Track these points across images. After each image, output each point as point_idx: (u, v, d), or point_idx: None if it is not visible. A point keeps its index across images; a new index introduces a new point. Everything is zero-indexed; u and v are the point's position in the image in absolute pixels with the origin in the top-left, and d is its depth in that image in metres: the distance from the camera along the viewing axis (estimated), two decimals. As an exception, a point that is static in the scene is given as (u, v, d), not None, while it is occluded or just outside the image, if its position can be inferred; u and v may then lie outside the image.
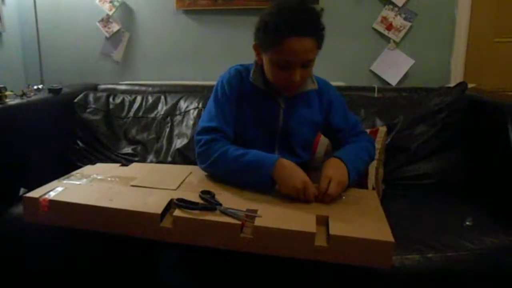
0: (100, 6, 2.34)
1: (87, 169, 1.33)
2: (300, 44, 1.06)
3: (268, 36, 1.08)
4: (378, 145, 1.59)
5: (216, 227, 0.95)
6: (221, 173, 1.15)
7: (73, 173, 1.27)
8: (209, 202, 1.02)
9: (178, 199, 1.01)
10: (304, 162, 1.31)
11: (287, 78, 1.11)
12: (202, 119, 1.24)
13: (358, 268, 0.99)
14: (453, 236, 1.21)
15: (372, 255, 0.90)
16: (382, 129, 1.65)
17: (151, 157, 1.84)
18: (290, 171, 1.07)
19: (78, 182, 1.18)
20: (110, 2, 2.33)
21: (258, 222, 0.94)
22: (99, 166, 1.37)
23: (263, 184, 1.08)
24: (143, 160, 1.83)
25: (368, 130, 1.64)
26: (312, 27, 1.08)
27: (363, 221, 0.98)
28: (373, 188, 1.49)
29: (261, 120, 1.22)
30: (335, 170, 1.11)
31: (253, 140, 1.22)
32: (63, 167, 1.63)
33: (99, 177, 1.22)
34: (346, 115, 1.33)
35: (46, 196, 1.06)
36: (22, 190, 1.45)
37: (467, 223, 1.28)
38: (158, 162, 1.81)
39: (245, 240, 0.93)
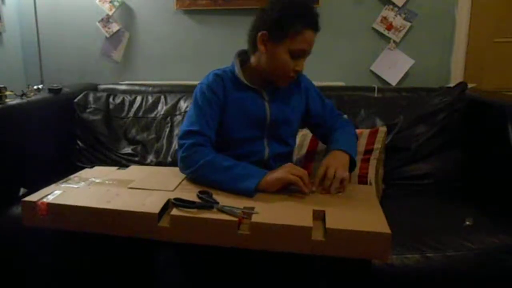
0: (100, 6, 2.34)
1: (85, 172, 1.33)
2: (312, 37, 1.16)
3: (288, 26, 1.13)
4: (378, 145, 1.59)
5: (214, 224, 0.95)
6: (205, 180, 1.14)
7: (71, 176, 1.27)
8: (206, 201, 1.02)
9: (175, 199, 1.02)
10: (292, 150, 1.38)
11: (293, 67, 1.17)
12: (183, 125, 1.23)
13: (358, 268, 1.00)
14: (453, 236, 1.21)
15: (369, 248, 0.91)
16: (382, 129, 1.65)
17: (151, 157, 1.84)
18: (276, 180, 1.09)
19: (76, 186, 1.18)
20: (110, 2, 2.33)
21: (255, 218, 0.95)
22: (97, 169, 1.38)
23: (246, 195, 1.08)
24: (143, 160, 1.84)
25: (368, 130, 1.65)
26: (319, 24, 1.17)
27: (360, 214, 0.99)
28: (370, 184, 1.50)
29: (248, 116, 1.23)
30: (336, 159, 1.16)
31: (241, 139, 1.23)
32: (63, 167, 1.64)
33: (97, 180, 1.22)
34: (323, 100, 1.38)
35: (44, 199, 1.06)
36: (22, 190, 1.45)
37: (467, 223, 1.28)
38: (158, 162, 1.81)
39: (242, 236, 0.94)
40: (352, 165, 1.21)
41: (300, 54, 1.16)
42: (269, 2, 1.19)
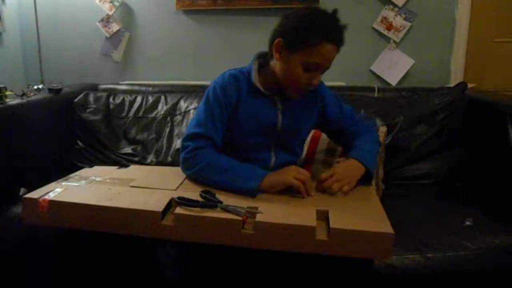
0: (100, 6, 2.34)
1: (85, 171, 1.33)
2: (331, 51, 1.11)
3: (305, 37, 1.08)
4: (378, 145, 1.59)
5: (218, 223, 0.95)
6: (207, 181, 1.13)
7: (72, 175, 1.26)
8: (209, 200, 1.02)
9: (179, 197, 1.02)
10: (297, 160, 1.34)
11: (307, 81, 1.13)
12: (190, 124, 1.22)
13: (358, 268, 1.00)
14: (453, 236, 1.21)
15: (372, 248, 0.91)
16: (382, 129, 1.65)
17: (151, 157, 1.84)
18: (278, 182, 1.09)
19: (77, 184, 1.17)
20: (110, 2, 2.33)
21: (259, 217, 0.95)
22: (97, 168, 1.37)
23: (249, 194, 1.08)
24: (143, 160, 1.84)
25: (368, 130, 1.65)
26: (343, 39, 1.15)
27: (363, 215, 0.99)
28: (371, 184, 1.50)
29: (258, 122, 1.21)
30: (347, 170, 1.14)
31: (248, 144, 1.22)
32: (63, 167, 1.64)
33: (98, 179, 1.21)
34: (341, 106, 1.34)
35: (46, 197, 1.06)
36: (22, 190, 1.45)
37: (467, 223, 1.28)
38: (158, 162, 1.81)
39: (246, 235, 0.94)
40: (367, 176, 1.17)
41: (314, 68, 1.11)
42: (293, 9, 1.16)
